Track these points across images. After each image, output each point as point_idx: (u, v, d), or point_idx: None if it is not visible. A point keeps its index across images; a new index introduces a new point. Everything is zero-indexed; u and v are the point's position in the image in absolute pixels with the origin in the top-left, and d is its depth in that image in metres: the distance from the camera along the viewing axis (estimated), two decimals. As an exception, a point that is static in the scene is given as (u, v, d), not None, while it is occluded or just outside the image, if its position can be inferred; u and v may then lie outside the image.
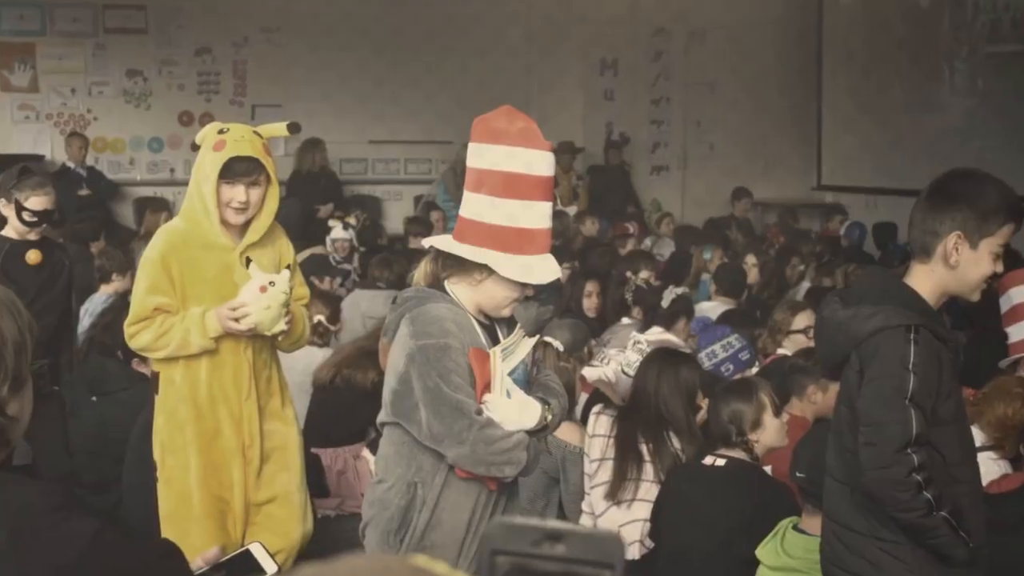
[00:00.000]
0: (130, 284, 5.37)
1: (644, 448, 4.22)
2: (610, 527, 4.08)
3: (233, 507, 3.95)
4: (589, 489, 4.33)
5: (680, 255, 8.41)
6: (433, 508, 2.95)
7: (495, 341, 2.99)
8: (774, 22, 12.45)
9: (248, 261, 3.82)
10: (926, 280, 2.81)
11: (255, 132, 3.85)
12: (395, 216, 11.61)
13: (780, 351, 5.51)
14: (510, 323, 3.08)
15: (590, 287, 6.75)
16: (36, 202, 4.85)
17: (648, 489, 4.16)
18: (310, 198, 10.68)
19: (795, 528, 3.58)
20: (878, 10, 11.82)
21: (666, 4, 12.30)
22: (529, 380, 3.05)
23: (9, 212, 4.88)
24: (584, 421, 4.59)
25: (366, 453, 5.49)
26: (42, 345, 4.68)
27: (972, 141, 10.12)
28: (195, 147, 3.91)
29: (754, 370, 5.30)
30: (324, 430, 5.59)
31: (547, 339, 4.55)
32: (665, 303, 5.87)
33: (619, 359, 4.72)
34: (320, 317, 5.94)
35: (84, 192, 10.42)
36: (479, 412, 2.86)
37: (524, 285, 2.94)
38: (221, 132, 3.79)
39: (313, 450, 5.22)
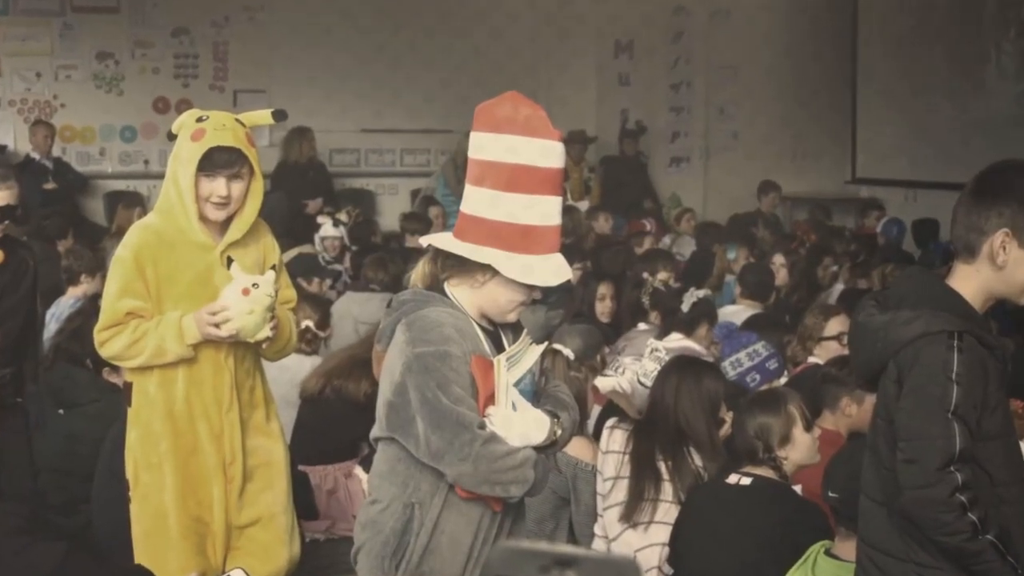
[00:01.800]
0: (100, 286, 5.38)
1: (662, 465, 4.23)
2: (625, 552, 4.08)
3: (213, 529, 3.94)
4: (602, 510, 4.34)
5: (702, 254, 8.42)
6: (432, 531, 2.95)
7: (500, 349, 2.99)
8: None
9: (230, 261, 3.82)
10: (971, 282, 2.81)
11: (237, 120, 3.85)
12: (390, 212, 11.63)
13: (811, 359, 5.51)
14: (516, 329, 3.08)
15: (603, 289, 6.76)
16: (-2, 196, 4.86)
17: (667, 510, 4.16)
18: (297, 192, 10.70)
19: (827, 553, 3.58)
20: (917, -15, 11.84)
21: (686, -20, 12.35)
22: (537, 391, 3.05)
23: (-32, 208, 4.88)
24: (597, 436, 4.60)
25: (358, 471, 5.49)
26: (4, 353, 4.69)
27: (1021, 130, 10.11)
28: (171, 136, 3.91)
29: (783, 380, 5.30)
30: (313, 446, 5.60)
31: (556, 346, 4.55)
32: (685, 307, 5.87)
33: (635, 368, 4.72)
34: (308, 322, 5.95)
35: (50, 185, 10.44)
36: (482, 426, 2.86)
37: (531, 287, 2.94)
38: (200, 120, 3.80)
39: (300, 467, 5.22)
